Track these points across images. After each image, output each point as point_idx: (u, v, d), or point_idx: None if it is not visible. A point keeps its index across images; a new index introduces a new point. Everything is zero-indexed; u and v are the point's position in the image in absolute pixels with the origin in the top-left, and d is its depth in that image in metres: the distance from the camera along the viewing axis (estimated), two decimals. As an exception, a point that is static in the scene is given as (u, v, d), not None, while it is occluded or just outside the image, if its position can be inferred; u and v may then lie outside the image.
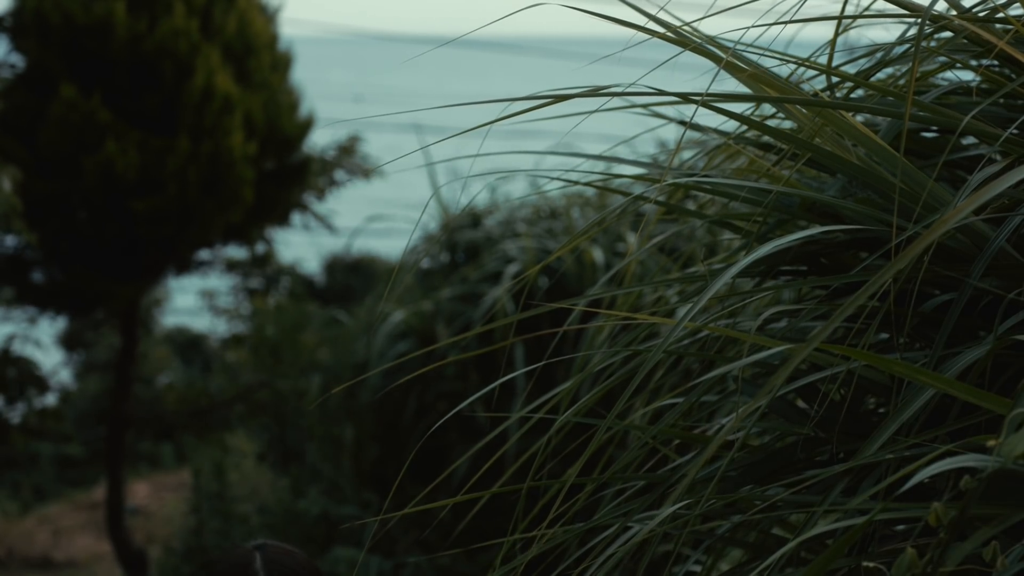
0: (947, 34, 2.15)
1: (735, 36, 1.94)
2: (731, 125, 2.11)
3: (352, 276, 16.69)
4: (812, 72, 2.22)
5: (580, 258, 6.87)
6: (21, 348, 12.39)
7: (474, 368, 7.30)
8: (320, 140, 12.90)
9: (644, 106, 2.36)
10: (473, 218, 8.13)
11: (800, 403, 2.12)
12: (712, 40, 1.97)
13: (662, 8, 1.98)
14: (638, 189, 3.21)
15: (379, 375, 7.47)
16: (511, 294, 6.78)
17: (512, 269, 7.12)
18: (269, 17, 11.83)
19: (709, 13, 2.03)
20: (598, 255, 6.90)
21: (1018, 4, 2.06)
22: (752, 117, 2.15)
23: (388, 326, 7.54)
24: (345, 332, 8.91)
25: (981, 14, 2.07)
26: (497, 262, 7.45)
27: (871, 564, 1.37)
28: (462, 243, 8.05)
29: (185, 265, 12.31)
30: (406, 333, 7.56)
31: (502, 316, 6.67)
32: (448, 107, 1.92)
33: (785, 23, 1.99)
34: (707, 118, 2.09)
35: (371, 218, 9.81)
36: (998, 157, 1.95)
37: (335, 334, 9.25)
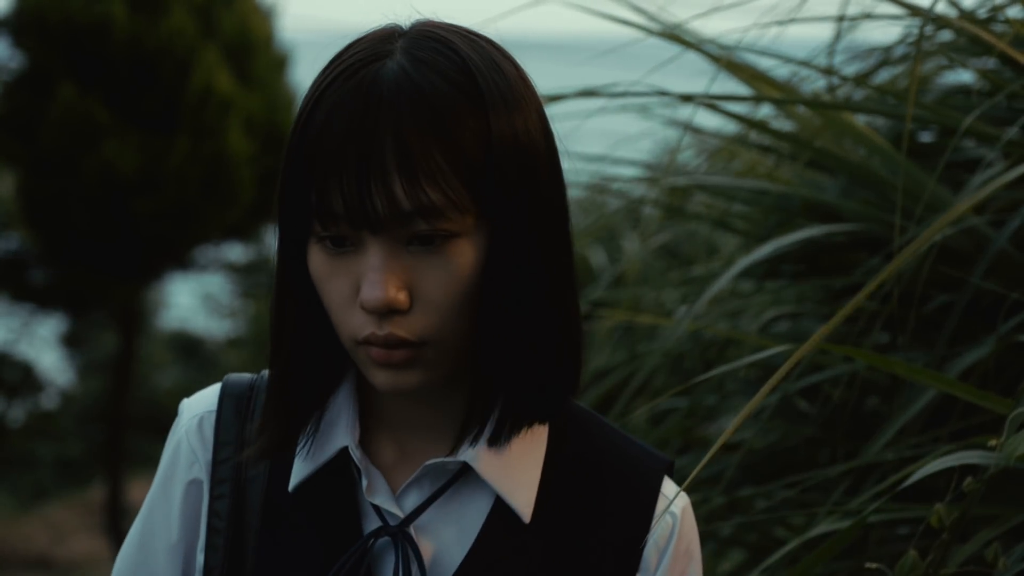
0: (947, 36, 2.14)
1: (735, 37, 1.94)
2: (731, 126, 2.11)
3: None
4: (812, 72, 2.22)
5: (579, 263, 6.82)
6: (22, 348, 12.39)
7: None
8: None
9: (643, 106, 2.35)
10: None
11: (802, 404, 2.12)
12: (713, 41, 1.96)
13: (654, 5, 1.98)
14: (637, 190, 3.20)
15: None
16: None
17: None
18: (268, 16, 11.83)
19: (709, 12, 2.02)
20: (598, 259, 6.86)
21: (1019, 5, 2.06)
22: (751, 118, 2.14)
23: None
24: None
25: (982, 15, 2.07)
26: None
27: (873, 565, 1.37)
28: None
29: (184, 265, 12.31)
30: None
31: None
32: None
33: (785, 23, 1.98)
34: (706, 118, 2.09)
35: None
36: (999, 157, 1.95)
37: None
